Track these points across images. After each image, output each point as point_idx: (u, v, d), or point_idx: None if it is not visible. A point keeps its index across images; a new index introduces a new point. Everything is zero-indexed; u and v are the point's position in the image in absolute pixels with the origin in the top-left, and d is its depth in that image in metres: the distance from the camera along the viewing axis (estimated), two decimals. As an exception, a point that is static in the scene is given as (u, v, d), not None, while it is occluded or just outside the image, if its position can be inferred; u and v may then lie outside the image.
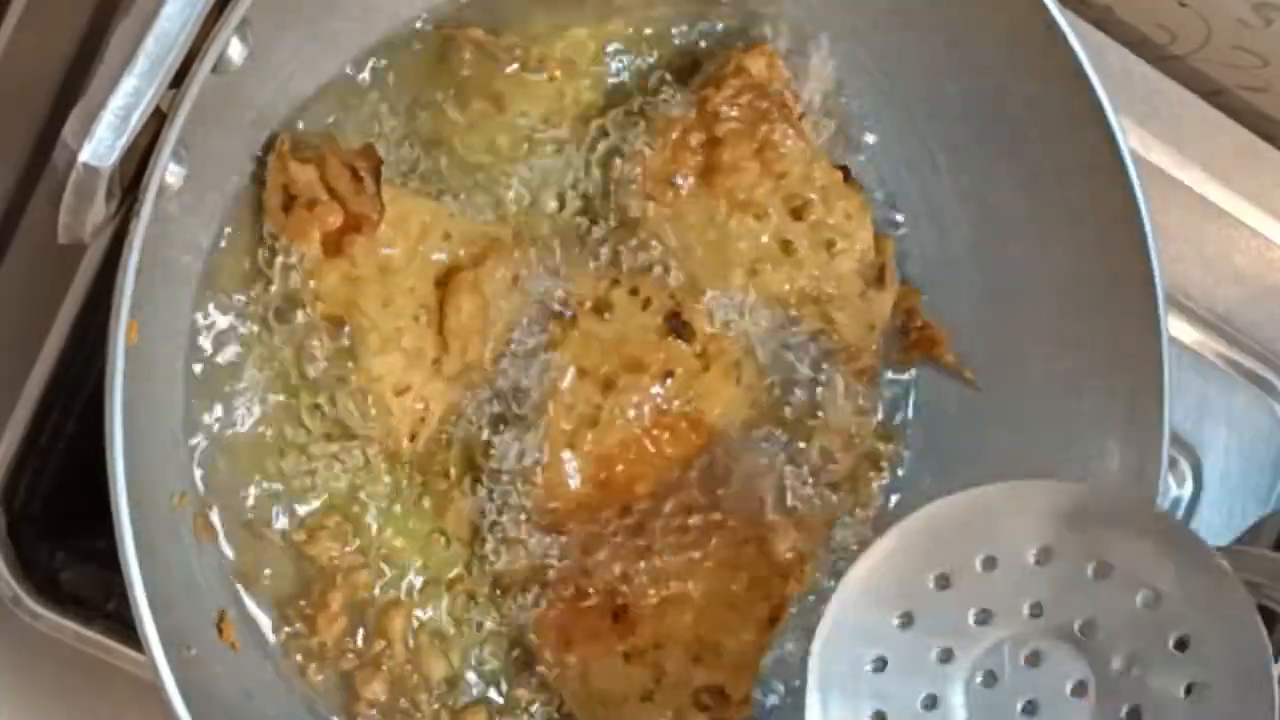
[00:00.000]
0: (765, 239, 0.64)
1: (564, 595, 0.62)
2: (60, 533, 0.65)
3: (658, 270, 0.63)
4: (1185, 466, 0.79)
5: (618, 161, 0.63)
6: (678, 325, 0.63)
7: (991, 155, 0.65)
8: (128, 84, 0.46)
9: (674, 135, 0.62)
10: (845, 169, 0.65)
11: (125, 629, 0.64)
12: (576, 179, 0.63)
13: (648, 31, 0.64)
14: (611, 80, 0.63)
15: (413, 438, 0.60)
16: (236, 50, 0.51)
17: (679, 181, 0.63)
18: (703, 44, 0.64)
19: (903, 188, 0.67)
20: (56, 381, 0.63)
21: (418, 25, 0.61)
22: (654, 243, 0.63)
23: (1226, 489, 0.80)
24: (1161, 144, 0.76)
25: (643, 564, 0.63)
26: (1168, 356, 0.61)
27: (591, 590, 0.62)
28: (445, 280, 0.60)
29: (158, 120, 0.48)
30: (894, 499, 0.68)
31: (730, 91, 0.62)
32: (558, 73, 0.62)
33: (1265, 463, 0.80)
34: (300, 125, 0.58)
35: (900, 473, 0.68)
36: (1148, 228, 0.61)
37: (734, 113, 0.62)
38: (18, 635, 0.63)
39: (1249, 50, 0.76)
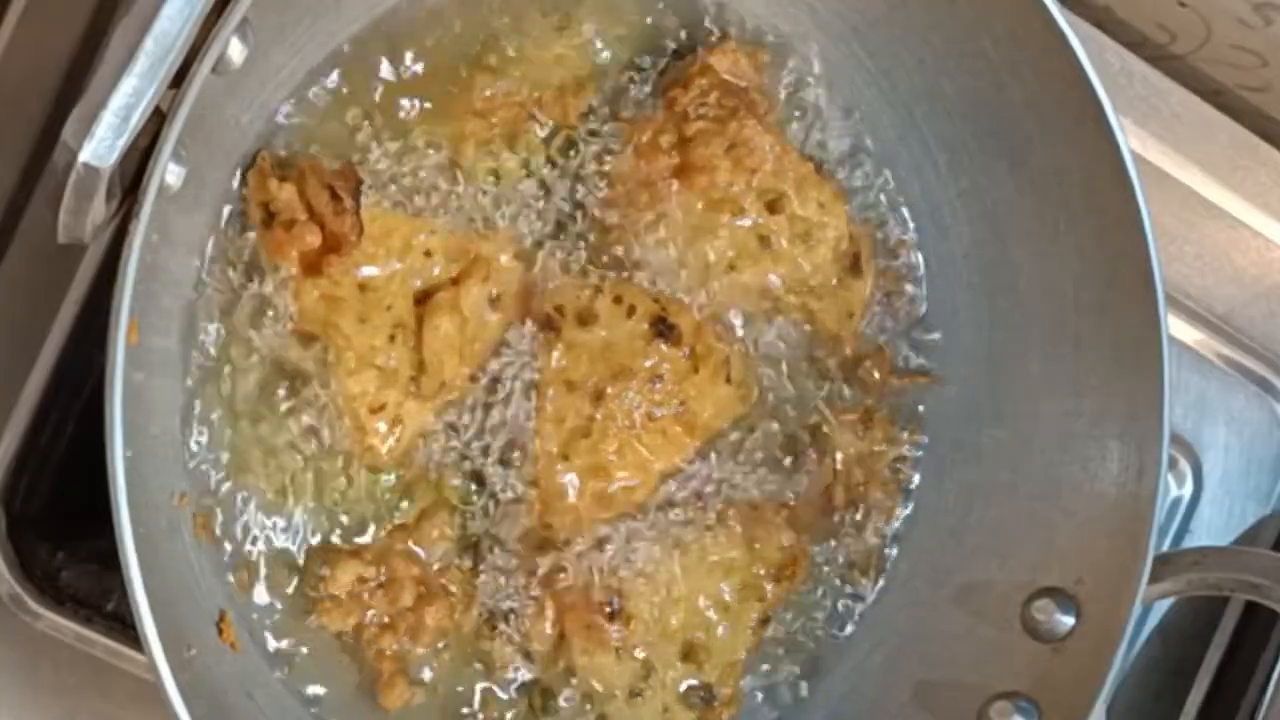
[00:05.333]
0: (742, 235, 0.64)
1: (559, 593, 0.62)
2: (60, 533, 0.65)
3: (639, 275, 0.63)
4: (1185, 466, 0.79)
5: (591, 168, 0.63)
6: (664, 329, 0.63)
7: (991, 155, 0.65)
8: (128, 84, 0.46)
9: (645, 138, 0.63)
10: (816, 160, 0.65)
11: (125, 629, 0.64)
12: (552, 189, 0.63)
13: (619, 33, 0.64)
14: (581, 83, 0.63)
15: (387, 454, 0.60)
16: (236, 50, 0.51)
17: (653, 184, 0.63)
18: (670, 44, 0.65)
19: (903, 188, 0.67)
20: (56, 381, 0.63)
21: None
22: (633, 247, 0.63)
23: (1226, 489, 0.80)
24: (1161, 144, 0.76)
25: (638, 563, 0.63)
26: (1168, 356, 0.61)
27: (586, 588, 0.62)
28: (424, 298, 0.60)
29: (158, 120, 0.48)
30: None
31: (698, 91, 0.62)
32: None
33: (1265, 463, 0.80)
34: (288, 129, 0.58)
35: (901, 475, 0.68)
36: (1148, 228, 0.61)
37: (703, 112, 0.62)
38: (18, 635, 0.63)
39: (1249, 50, 0.76)
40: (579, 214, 0.63)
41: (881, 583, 0.68)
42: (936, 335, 0.68)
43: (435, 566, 0.61)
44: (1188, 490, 0.79)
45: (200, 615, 0.56)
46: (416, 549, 0.61)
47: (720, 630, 0.64)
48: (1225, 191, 0.78)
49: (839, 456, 0.66)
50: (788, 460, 0.66)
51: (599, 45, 0.63)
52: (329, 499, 0.60)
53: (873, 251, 0.67)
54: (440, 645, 0.62)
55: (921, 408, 0.68)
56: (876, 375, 0.67)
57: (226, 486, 0.58)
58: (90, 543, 0.65)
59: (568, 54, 0.63)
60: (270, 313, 0.58)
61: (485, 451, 0.62)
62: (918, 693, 0.65)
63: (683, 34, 0.64)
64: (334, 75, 0.59)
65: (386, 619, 0.60)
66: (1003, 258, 0.66)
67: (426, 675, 0.62)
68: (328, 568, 0.59)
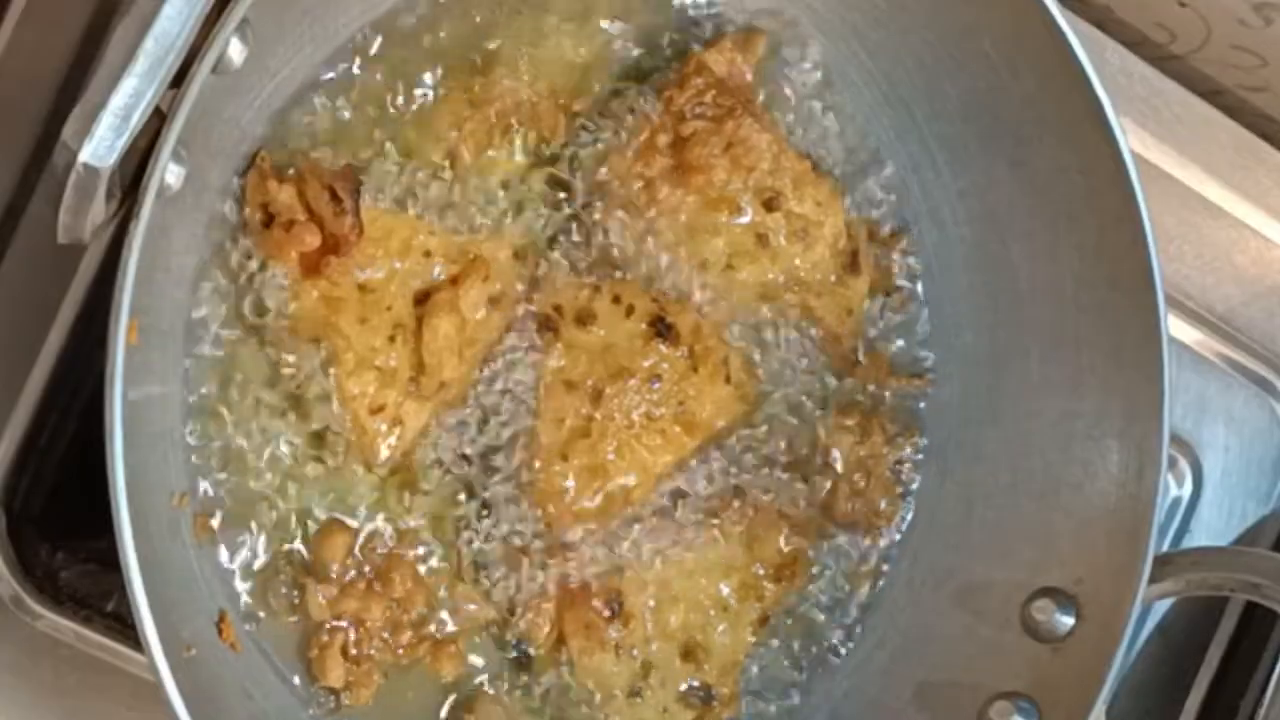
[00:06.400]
0: (740, 233, 0.64)
1: (558, 593, 0.62)
2: (60, 533, 0.65)
3: (637, 275, 0.63)
4: (1185, 466, 0.79)
5: (589, 169, 0.63)
6: (662, 329, 0.63)
7: (991, 155, 0.65)
8: (128, 84, 0.46)
9: (642, 138, 0.63)
10: (813, 158, 0.65)
11: (125, 629, 0.64)
12: (550, 190, 0.63)
13: (624, 28, 0.64)
14: (581, 84, 0.63)
15: (387, 455, 0.60)
16: (236, 50, 0.51)
17: (651, 183, 0.63)
18: (667, 46, 0.65)
19: (903, 187, 0.67)
20: (56, 381, 0.63)
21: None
22: (631, 247, 0.63)
23: (1226, 489, 0.80)
24: (1161, 144, 0.76)
25: (637, 563, 0.63)
26: (1168, 356, 0.61)
27: (585, 588, 0.62)
28: (424, 299, 0.60)
29: (158, 120, 0.48)
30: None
31: (694, 91, 0.62)
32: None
33: (1265, 463, 0.80)
34: (289, 130, 0.58)
35: (903, 476, 0.68)
36: (1148, 228, 0.61)
37: (700, 111, 0.62)
38: (18, 635, 0.63)
39: (1249, 50, 0.76)
40: (577, 214, 0.63)
41: (881, 583, 0.68)
42: (936, 335, 0.68)
43: (364, 564, 0.61)
44: (1188, 490, 0.79)
45: (200, 615, 0.56)
46: (336, 574, 0.61)
47: (720, 630, 0.64)
48: (1225, 191, 0.78)
49: (839, 458, 0.66)
50: (788, 460, 0.66)
51: (609, 45, 0.63)
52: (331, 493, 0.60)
53: (870, 249, 0.67)
54: (439, 590, 0.62)
55: (922, 407, 0.68)
56: (875, 374, 0.67)
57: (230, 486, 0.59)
58: (90, 543, 0.65)
59: (570, 55, 0.63)
60: (270, 313, 0.58)
61: (485, 452, 0.62)
62: (918, 693, 0.65)
63: (679, 34, 0.64)
64: (333, 75, 0.59)
65: (386, 632, 0.60)
66: (1003, 258, 0.66)
67: (450, 628, 0.62)
68: (318, 675, 0.59)
